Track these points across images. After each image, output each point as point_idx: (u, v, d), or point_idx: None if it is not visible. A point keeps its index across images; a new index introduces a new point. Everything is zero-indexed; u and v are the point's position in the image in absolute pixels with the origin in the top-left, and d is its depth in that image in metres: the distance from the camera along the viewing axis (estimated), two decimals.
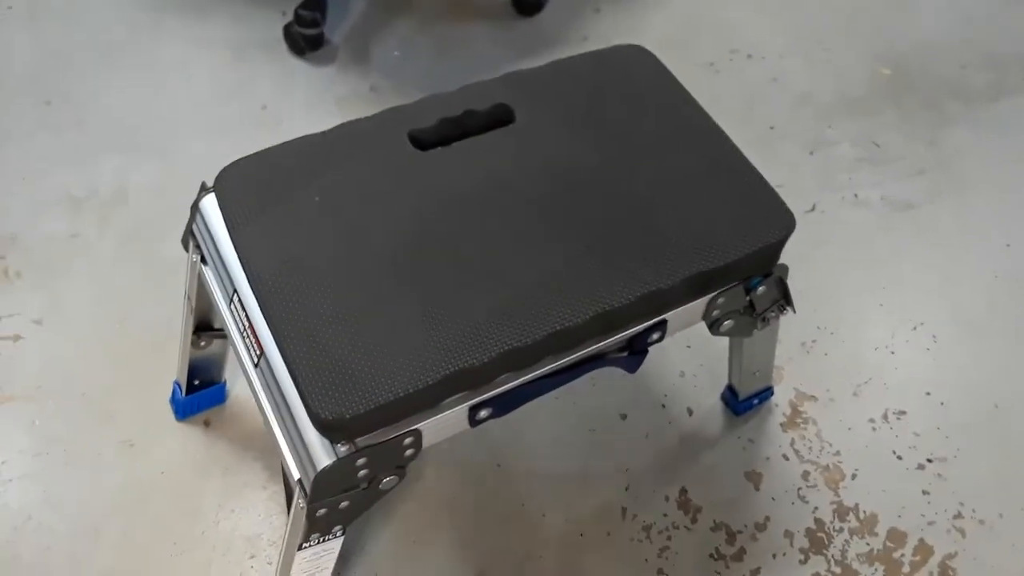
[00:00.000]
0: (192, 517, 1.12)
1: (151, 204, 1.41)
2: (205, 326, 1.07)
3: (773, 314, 1.00)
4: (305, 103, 1.57)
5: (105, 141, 1.49)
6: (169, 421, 1.19)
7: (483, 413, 0.84)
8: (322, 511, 0.82)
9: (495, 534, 1.12)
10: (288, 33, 1.63)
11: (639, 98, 0.97)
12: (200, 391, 1.17)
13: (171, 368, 1.18)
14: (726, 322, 0.96)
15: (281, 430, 0.83)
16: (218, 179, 0.89)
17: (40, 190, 1.42)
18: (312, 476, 0.78)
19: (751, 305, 0.96)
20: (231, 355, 1.17)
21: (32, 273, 1.32)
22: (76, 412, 1.19)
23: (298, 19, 1.59)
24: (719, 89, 1.64)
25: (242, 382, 1.21)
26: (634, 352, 0.90)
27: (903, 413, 1.25)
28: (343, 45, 1.66)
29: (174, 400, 1.19)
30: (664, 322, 0.90)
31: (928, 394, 1.27)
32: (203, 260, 0.94)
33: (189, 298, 1.02)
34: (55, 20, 1.66)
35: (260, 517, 1.12)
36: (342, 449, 0.78)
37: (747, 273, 0.92)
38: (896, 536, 1.14)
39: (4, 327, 1.26)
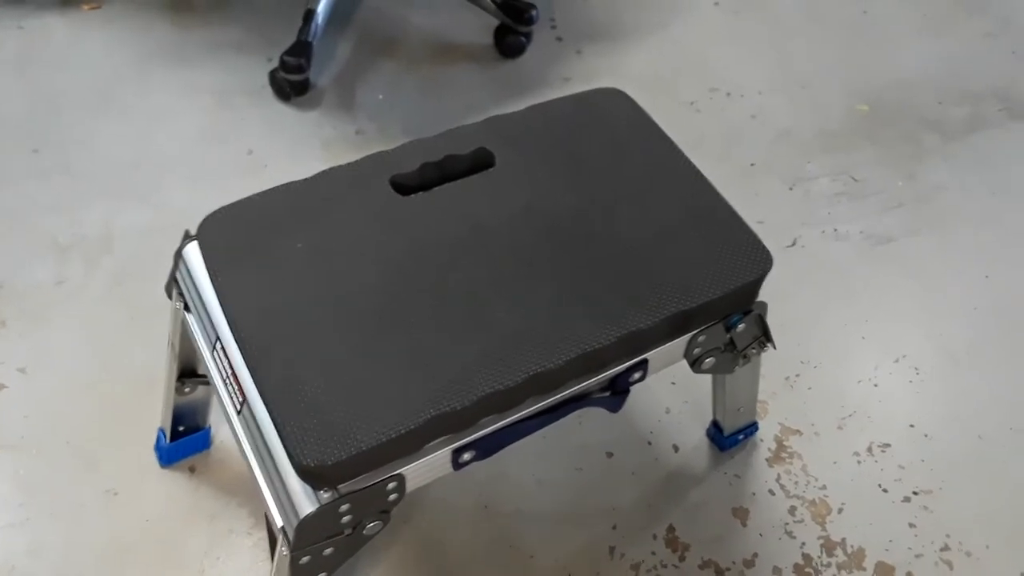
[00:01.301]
0: (178, 565, 1.11)
1: (137, 250, 1.42)
2: (189, 372, 1.07)
3: (754, 351, 1.01)
4: (291, 147, 1.58)
5: (92, 188, 1.50)
6: (154, 468, 1.19)
7: (466, 456, 0.84)
8: (306, 559, 0.82)
9: (484, 575, 1.12)
10: (274, 79, 1.64)
11: (617, 141, 0.99)
12: (185, 437, 1.17)
13: (156, 415, 1.18)
14: (707, 360, 0.97)
15: (264, 478, 0.83)
16: (201, 227, 0.89)
17: (26, 237, 1.42)
18: (295, 524, 0.78)
19: (732, 343, 0.97)
20: (215, 401, 1.17)
21: (17, 321, 1.32)
22: (60, 461, 1.19)
23: (283, 65, 1.61)
24: (700, 127, 1.66)
25: (227, 428, 1.21)
26: (616, 392, 0.91)
27: (887, 446, 1.26)
28: (328, 89, 1.69)
29: (158, 447, 1.18)
30: (645, 362, 0.90)
31: (912, 426, 1.28)
32: (186, 307, 0.94)
33: (173, 345, 1.03)
34: (43, 69, 1.67)
35: (246, 564, 1.11)
36: (325, 496, 0.78)
37: (726, 311, 0.93)
38: (884, 570, 1.14)
39: None
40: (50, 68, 1.67)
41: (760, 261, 0.90)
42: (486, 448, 0.85)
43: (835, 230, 1.52)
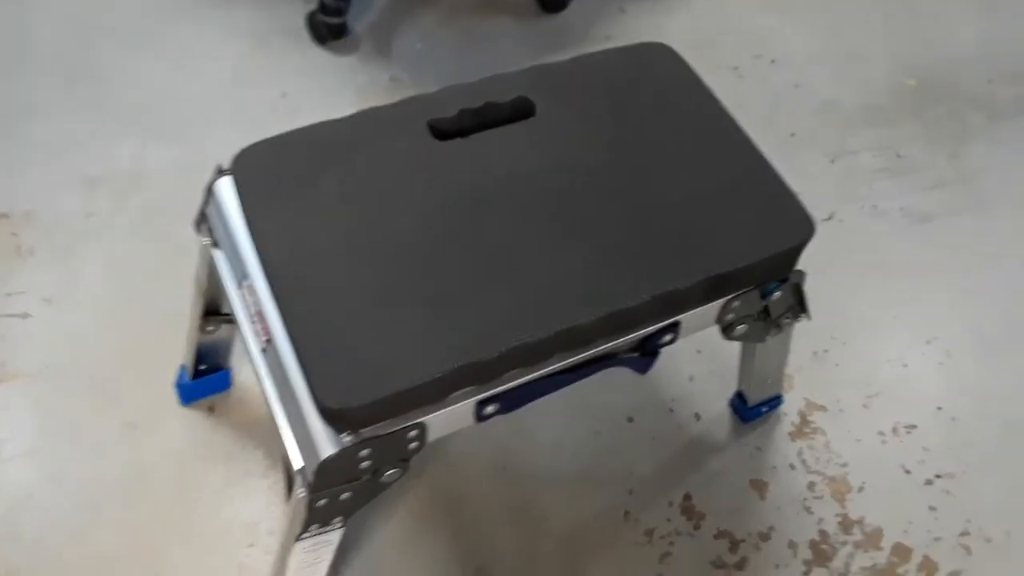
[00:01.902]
0: (192, 502, 1.11)
1: (167, 187, 1.41)
2: (214, 311, 1.07)
3: (788, 320, 0.99)
4: (325, 92, 1.56)
5: (125, 123, 1.49)
6: (173, 405, 1.19)
7: (490, 408, 0.83)
8: (322, 501, 0.81)
9: (496, 533, 1.11)
10: (312, 21, 1.62)
11: (661, 96, 0.96)
12: (206, 376, 1.17)
13: (178, 352, 1.18)
14: (740, 327, 0.95)
15: (285, 418, 0.82)
16: (235, 162, 0.88)
17: (58, 168, 1.42)
18: (314, 465, 0.77)
19: (766, 311, 0.95)
20: (238, 341, 1.16)
21: (45, 251, 1.32)
22: (81, 392, 1.19)
23: (323, 8, 1.59)
24: (742, 93, 1.63)
25: (247, 369, 1.21)
26: (645, 353, 0.89)
27: (913, 427, 1.24)
28: (365, 35, 1.66)
29: (179, 384, 1.18)
30: (677, 324, 0.89)
31: (939, 409, 1.26)
32: (215, 243, 0.93)
33: (199, 282, 1.02)
34: (82, 3, 1.65)
35: (260, 505, 1.11)
36: (346, 439, 0.77)
37: (763, 278, 0.91)
38: (901, 551, 1.13)
39: (13, 304, 1.26)
40: (89, 2, 1.66)
41: (801, 228, 0.88)
42: (510, 402, 0.84)
43: (874, 206, 1.48)
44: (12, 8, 1.62)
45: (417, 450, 0.82)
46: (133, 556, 1.07)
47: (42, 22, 1.61)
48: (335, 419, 0.76)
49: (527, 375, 0.83)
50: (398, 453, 0.81)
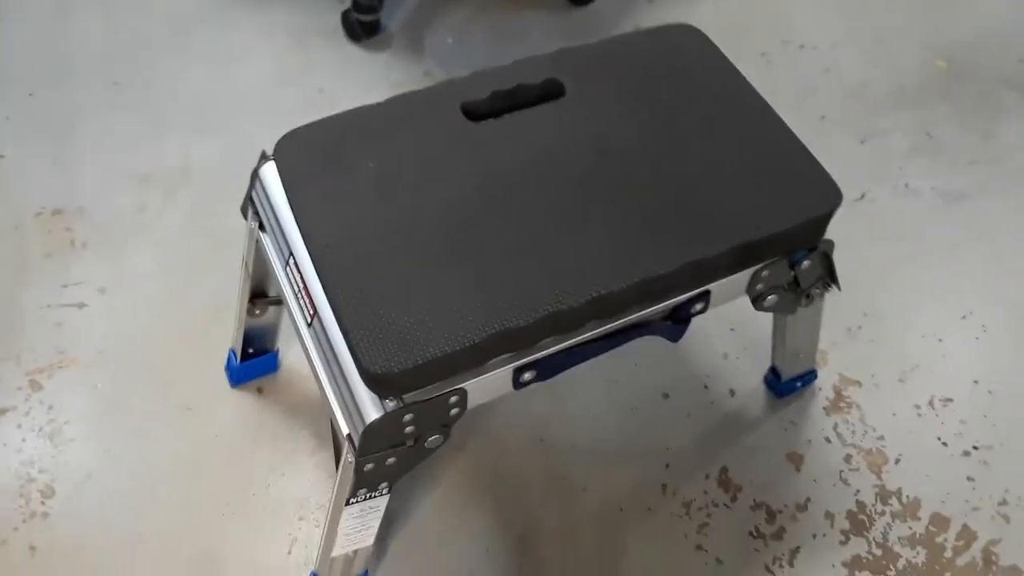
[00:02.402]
0: (244, 479, 1.16)
1: (212, 181, 1.46)
2: (261, 293, 1.11)
3: (818, 291, 1.00)
4: (360, 87, 1.61)
5: (171, 121, 1.55)
6: (224, 388, 1.23)
7: (527, 375, 0.86)
8: (370, 466, 0.85)
9: (536, 505, 1.14)
10: (346, 20, 1.67)
11: (689, 75, 0.99)
12: (254, 359, 1.22)
13: (227, 337, 1.22)
14: (770, 297, 0.97)
15: (332, 387, 0.86)
16: (278, 146, 0.92)
17: (108, 166, 1.48)
18: (361, 430, 0.81)
19: (796, 281, 0.97)
20: (284, 324, 1.21)
21: (98, 244, 1.38)
22: (136, 377, 1.24)
23: (356, 6, 1.63)
24: (771, 79, 1.64)
25: (294, 352, 1.25)
26: (677, 321, 0.91)
27: (949, 400, 1.24)
28: (398, 32, 1.70)
29: (229, 367, 1.23)
30: (708, 293, 0.91)
31: (976, 383, 1.26)
32: (261, 227, 0.98)
33: (247, 265, 1.06)
34: (126, 5, 1.72)
35: (308, 481, 1.16)
36: (390, 404, 0.81)
37: (792, 246, 0.93)
38: (939, 521, 1.14)
39: (70, 295, 1.32)
40: (133, 5, 1.72)
41: (829, 196, 0.90)
42: (546, 369, 0.87)
43: (906, 185, 1.49)
44: (60, 19, 1.69)
45: (458, 416, 0.85)
46: (189, 531, 1.11)
47: (89, 30, 1.68)
48: (379, 385, 0.79)
49: (562, 343, 0.86)
50: (440, 418, 0.84)
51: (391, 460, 0.85)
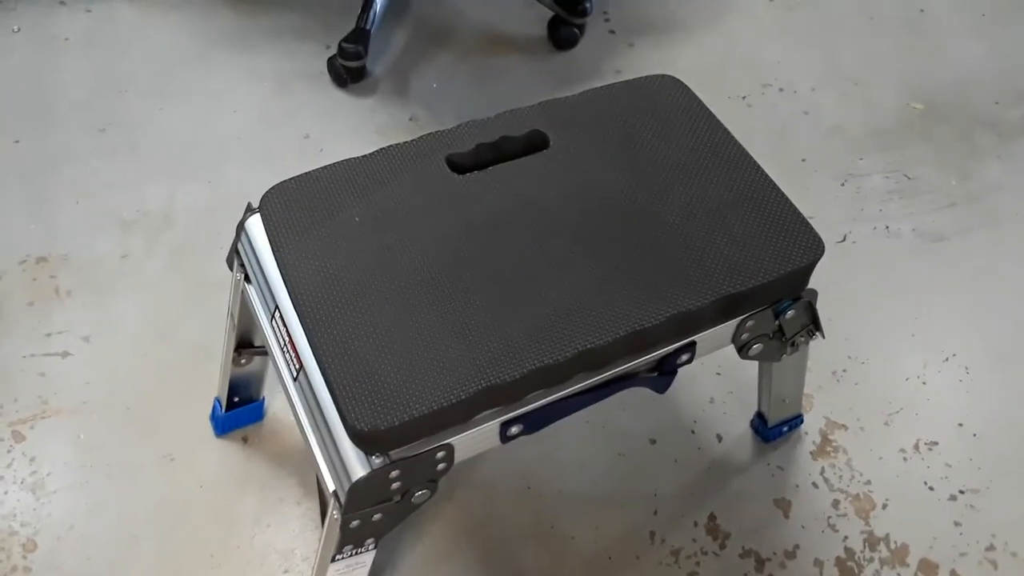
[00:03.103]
0: (228, 530, 1.14)
1: (197, 227, 1.46)
2: (246, 343, 1.11)
3: (803, 339, 1.01)
4: (346, 132, 1.61)
5: (155, 167, 1.55)
6: (209, 437, 1.22)
7: (514, 429, 0.86)
8: (355, 523, 0.84)
9: (524, 555, 1.13)
10: (332, 65, 1.68)
11: (670, 125, 1.00)
12: (239, 408, 1.21)
13: (212, 385, 1.22)
14: (755, 346, 0.98)
15: (318, 443, 0.86)
16: (263, 200, 0.92)
17: (92, 212, 1.47)
18: (347, 487, 0.80)
19: (780, 329, 0.97)
20: (270, 373, 1.20)
21: (82, 292, 1.37)
22: (120, 426, 1.23)
23: (341, 52, 1.65)
24: (751, 122, 1.66)
25: (279, 400, 1.25)
26: (664, 373, 0.92)
27: (935, 444, 1.25)
28: (384, 77, 1.72)
29: (214, 416, 1.22)
30: (693, 344, 0.91)
31: (960, 425, 1.27)
32: (247, 278, 0.98)
33: (232, 315, 1.06)
34: (110, 51, 1.73)
35: (294, 532, 1.14)
36: (376, 461, 0.80)
37: (776, 297, 0.94)
38: (927, 567, 1.14)
39: (54, 343, 1.31)
40: (117, 51, 1.73)
41: (811, 247, 0.91)
42: (534, 423, 0.87)
43: (887, 227, 1.51)
44: (44, 62, 1.69)
45: (445, 471, 0.85)
46: None
47: (73, 73, 1.68)
48: (365, 442, 0.79)
49: (549, 396, 0.86)
50: (427, 474, 0.84)
51: (377, 516, 0.85)
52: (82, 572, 1.10)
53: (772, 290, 0.91)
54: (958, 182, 1.58)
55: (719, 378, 1.30)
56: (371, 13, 1.68)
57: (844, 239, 1.49)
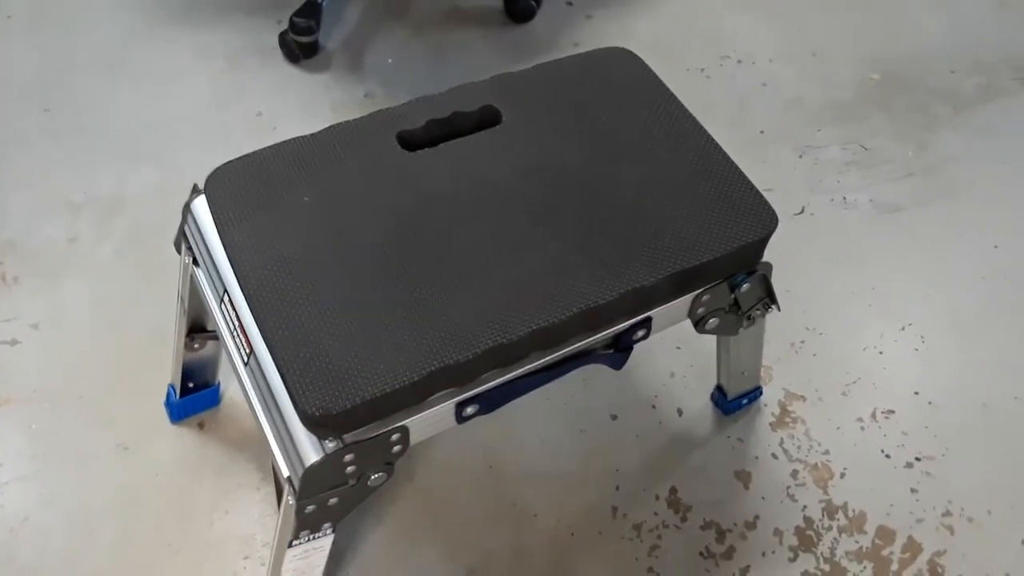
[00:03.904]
0: (186, 518, 1.13)
1: (148, 209, 1.43)
2: (199, 328, 1.09)
3: (758, 312, 1.01)
4: (300, 109, 1.58)
5: (103, 148, 1.51)
6: (164, 423, 1.20)
7: (469, 410, 0.85)
8: (311, 508, 0.83)
9: (486, 534, 1.13)
10: (283, 41, 1.65)
11: (624, 99, 0.99)
12: (194, 394, 1.19)
13: (166, 371, 1.19)
14: (711, 320, 0.97)
15: (271, 428, 0.84)
16: (208, 181, 0.90)
17: (39, 196, 1.43)
18: (300, 472, 0.79)
19: (736, 303, 0.97)
20: (224, 358, 1.18)
21: (30, 278, 1.34)
22: (72, 415, 1.21)
23: (293, 27, 1.61)
24: (710, 94, 1.66)
25: (235, 385, 1.22)
26: (619, 349, 0.91)
27: (891, 412, 1.26)
28: (338, 52, 1.68)
29: (168, 403, 1.20)
30: (649, 319, 0.91)
31: (916, 394, 1.28)
32: (195, 262, 0.95)
33: (182, 300, 1.04)
34: (54, 30, 1.68)
35: (253, 518, 1.13)
36: (330, 445, 0.79)
37: (731, 271, 0.93)
38: (885, 534, 1.15)
39: (1, 331, 1.28)
40: (62, 30, 1.68)
41: (765, 221, 0.90)
42: (489, 402, 0.86)
43: (844, 198, 1.51)
44: None
45: (401, 453, 0.84)
46: (130, 572, 1.08)
47: (16, 52, 1.63)
48: (317, 426, 0.78)
49: (504, 375, 0.85)
50: (382, 456, 0.83)
51: (333, 500, 0.84)
52: (37, 564, 1.08)
53: (726, 264, 0.90)
54: (915, 153, 1.59)
55: (679, 352, 1.30)
56: None
57: (802, 211, 1.49)
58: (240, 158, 0.91)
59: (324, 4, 1.64)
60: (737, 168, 0.94)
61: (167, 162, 1.49)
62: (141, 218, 1.42)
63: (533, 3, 1.74)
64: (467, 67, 1.67)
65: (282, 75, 1.64)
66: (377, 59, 1.68)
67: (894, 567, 1.12)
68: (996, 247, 1.46)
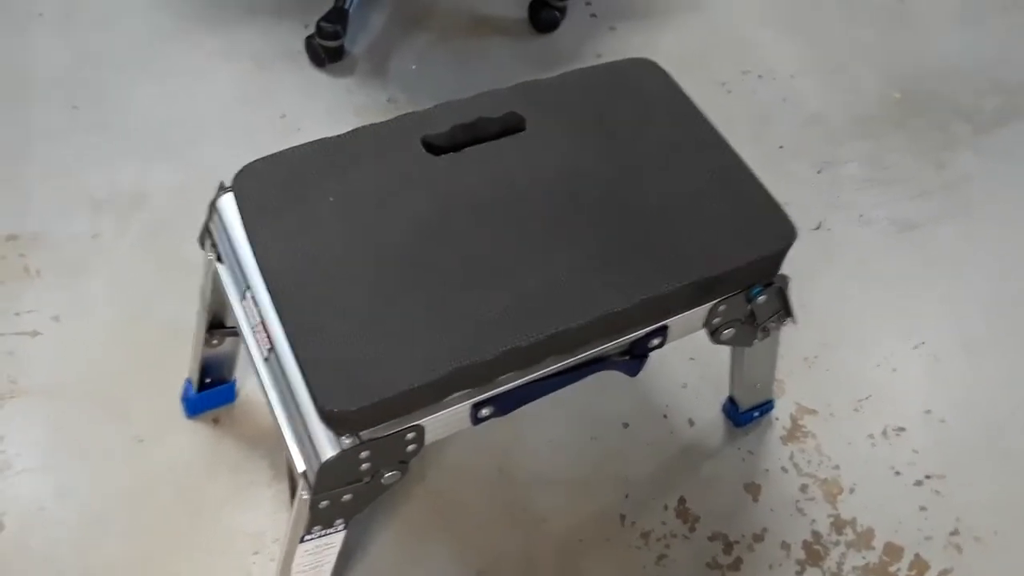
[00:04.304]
0: (198, 512, 1.14)
1: (170, 206, 1.45)
2: (218, 324, 1.10)
3: (774, 324, 1.02)
4: (324, 113, 1.60)
5: (129, 145, 1.53)
6: (179, 418, 1.22)
7: (485, 411, 0.86)
8: (325, 503, 0.84)
9: (496, 537, 1.14)
10: (310, 45, 1.66)
11: (647, 109, 1.00)
12: (211, 389, 1.20)
13: (184, 366, 1.21)
14: (727, 330, 0.98)
15: (287, 422, 0.85)
16: (236, 178, 0.92)
17: (64, 191, 1.45)
18: (316, 467, 0.80)
19: (752, 314, 0.98)
20: (242, 355, 1.19)
21: (52, 271, 1.36)
22: (89, 407, 1.22)
23: (320, 31, 1.63)
24: (731, 108, 1.67)
25: (251, 382, 1.24)
26: (635, 356, 0.92)
27: (902, 430, 1.26)
28: (362, 58, 1.70)
29: (185, 398, 1.21)
30: (665, 328, 0.92)
31: (928, 412, 1.28)
32: (218, 258, 0.97)
33: (204, 296, 1.05)
34: (85, 27, 1.70)
35: (264, 514, 1.14)
36: (346, 442, 0.80)
37: (748, 282, 0.94)
38: (892, 551, 1.15)
39: (23, 323, 1.29)
40: (92, 28, 1.70)
41: (784, 233, 0.91)
42: (505, 404, 0.87)
43: (861, 215, 1.52)
44: (16, 38, 1.67)
45: (416, 452, 0.85)
46: (141, 567, 1.09)
47: (46, 49, 1.66)
48: (335, 422, 0.79)
49: (521, 378, 0.86)
50: (397, 455, 0.84)
51: (347, 497, 0.85)
52: (50, 553, 1.09)
53: (744, 275, 0.91)
54: (933, 171, 1.60)
55: (692, 363, 1.31)
56: None
57: (819, 226, 1.50)
58: (267, 157, 0.93)
59: (351, 10, 1.66)
60: (758, 180, 0.95)
61: (190, 160, 1.51)
62: (163, 214, 1.44)
63: (557, 14, 1.75)
64: (490, 75, 1.68)
65: (307, 78, 1.65)
66: (401, 65, 1.70)
67: None
68: (1010, 268, 1.46)
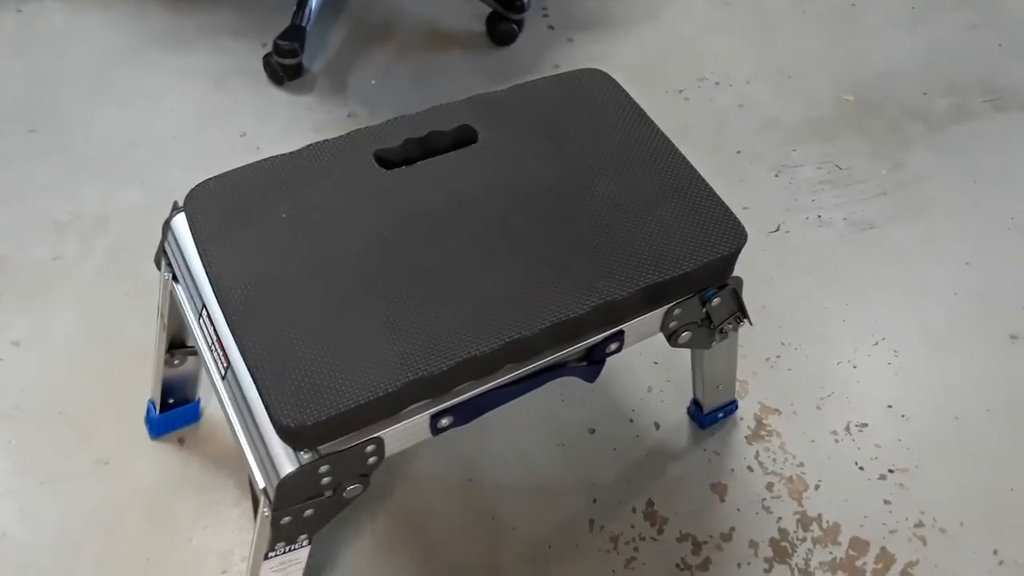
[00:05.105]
0: (166, 533, 1.13)
1: (131, 228, 1.44)
2: (178, 344, 1.10)
3: (731, 326, 1.03)
4: (283, 130, 1.60)
5: (88, 168, 1.52)
6: (144, 439, 1.21)
7: (444, 421, 0.87)
8: (287, 519, 0.84)
9: (465, 547, 1.14)
10: (268, 63, 1.67)
11: (597, 119, 1.01)
12: (174, 409, 1.20)
13: (147, 387, 1.20)
14: (684, 334, 0.99)
15: (247, 440, 0.86)
16: (187, 198, 0.92)
17: (23, 215, 1.45)
18: (275, 483, 0.80)
19: (708, 317, 0.99)
20: (204, 373, 1.19)
21: (13, 296, 1.35)
22: (53, 431, 1.21)
23: (277, 49, 1.63)
24: (688, 115, 1.69)
25: (215, 402, 1.23)
26: (592, 362, 0.93)
27: (865, 425, 1.28)
28: (322, 75, 1.71)
29: (148, 419, 1.21)
30: (621, 332, 0.93)
31: (889, 407, 1.30)
32: (175, 278, 0.97)
33: (162, 316, 1.05)
34: (41, 51, 1.69)
35: (232, 533, 1.14)
36: (305, 456, 0.80)
37: (701, 285, 0.95)
38: (858, 545, 1.17)
39: None
40: (48, 50, 1.70)
41: (734, 236, 0.93)
42: (464, 414, 0.87)
43: (819, 216, 1.54)
44: None
45: (376, 464, 0.85)
46: None
47: (2, 74, 1.65)
48: (292, 437, 0.79)
49: (478, 387, 0.87)
50: (358, 468, 0.84)
51: (309, 512, 0.85)
52: None
53: (696, 278, 0.92)
54: (888, 172, 1.62)
55: (656, 367, 1.32)
56: (307, 10, 1.67)
57: (778, 229, 1.52)
58: (219, 176, 0.93)
59: (308, 27, 1.67)
60: (707, 185, 0.97)
61: (151, 182, 1.51)
62: (125, 237, 1.43)
63: (514, 27, 1.77)
64: (449, 88, 1.70)
65: (266, 97, 1.66)
66: (360, 81, 1.70)
67: None
68: (967, 264, 1.48)
